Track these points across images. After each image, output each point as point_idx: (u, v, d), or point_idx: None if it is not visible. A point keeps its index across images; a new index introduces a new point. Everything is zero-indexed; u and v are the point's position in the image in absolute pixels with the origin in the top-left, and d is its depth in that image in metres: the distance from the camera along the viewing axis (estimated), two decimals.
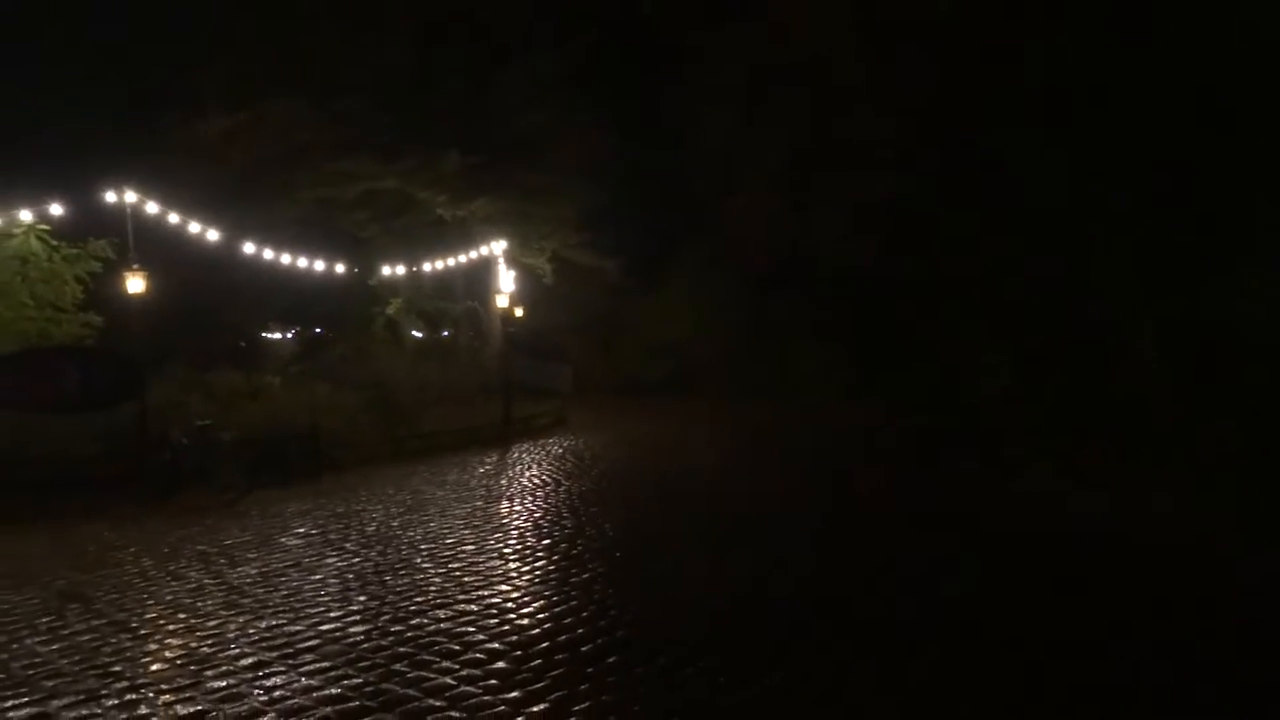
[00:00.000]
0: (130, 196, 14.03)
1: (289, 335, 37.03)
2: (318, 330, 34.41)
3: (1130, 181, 10.81)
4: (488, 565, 8.11)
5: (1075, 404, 11.45)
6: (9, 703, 5.23)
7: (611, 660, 5.60)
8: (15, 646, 6.28)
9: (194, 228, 15.61)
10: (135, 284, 13.80)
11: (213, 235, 16.11)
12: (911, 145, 15.41)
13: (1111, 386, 11.12)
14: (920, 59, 14.37)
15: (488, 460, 15.48)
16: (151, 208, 14.52)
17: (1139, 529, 8.71)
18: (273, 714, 4.92)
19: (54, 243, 15.16)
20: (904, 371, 17.67)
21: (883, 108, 15.93)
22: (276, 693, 5.23)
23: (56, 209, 14.19)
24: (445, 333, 31.15)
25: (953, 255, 15.25)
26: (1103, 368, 11.35)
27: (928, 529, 9.18)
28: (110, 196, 14.00)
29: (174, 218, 15.07)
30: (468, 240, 23.08)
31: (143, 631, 6.55)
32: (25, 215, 14.33)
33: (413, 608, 6.85)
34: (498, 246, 21.43)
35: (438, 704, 4.99)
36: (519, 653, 5.77)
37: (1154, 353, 10.61)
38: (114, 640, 6.34)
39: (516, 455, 16.02)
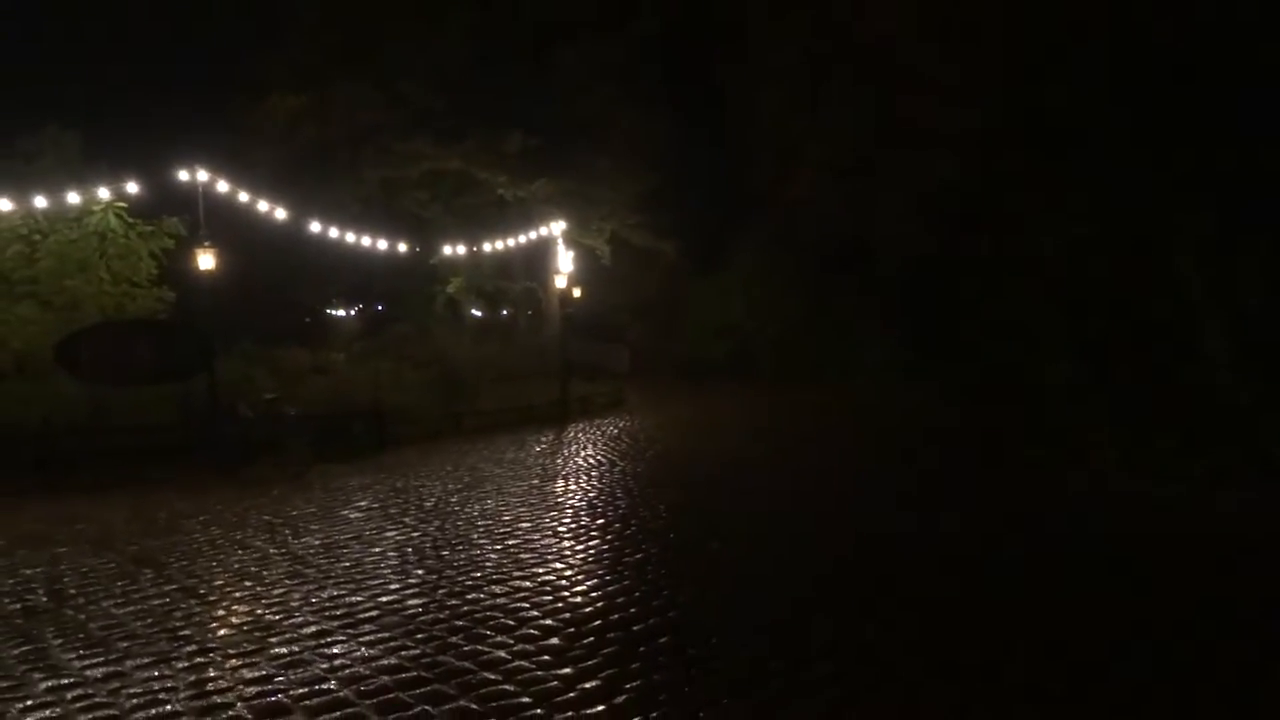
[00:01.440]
0: (202, 175, 14.41)
1: (352, 313, 37.80)
2: (380, 308, 35.07)
3: (1206, 169, 10.44)
4: (543, 543, 8.22)
5: (1142, 396, 11.15)
6: (86, 661, 5.47)
7: (663, 640, 5.65)
8: (92, 608, 6.56)
9: (262, 206, 15.98)
10: (206, 260, 14.19)
11: (280, 214, 16.48)
12: (978, 127, 15.05)
13: (1179, 379, 10.80)
14: (990, 37, 14.01)
15: (544, 439, 15.65)
16: (222, 186, 14.90)
17: (1203, 526, 8.48)
18: (334, 681, 5.07)
19: (130, 220, 15.67)
20: (965, 358, 17.36)
21: (948, 88, 15.58)
22: (337, 661, 5.39)
23: (133, 187, 14.67)
24: (504, 312, 31.51)
25: (1017, 240, 14.91)
26: (1171, 360, 11.02)
27: (986, 521, 9.06)
28: (183, 175, 14.40)
29: (244, 196, 15.45)
30: (527, 220, 23.28)
31: (211, 598, 6.78)
32: (104, 193, 14.83)
33: (469, 582, 6.98)
34: (556, 227, 21.56)
35: (492, 677, 5.09)
36: (572, 630, 5.85)
37: (1224, 345, 10.27)
38: (184, 605, 6.58)
39: (572, 435, 16.15)
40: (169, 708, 4.78)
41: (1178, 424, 10.21)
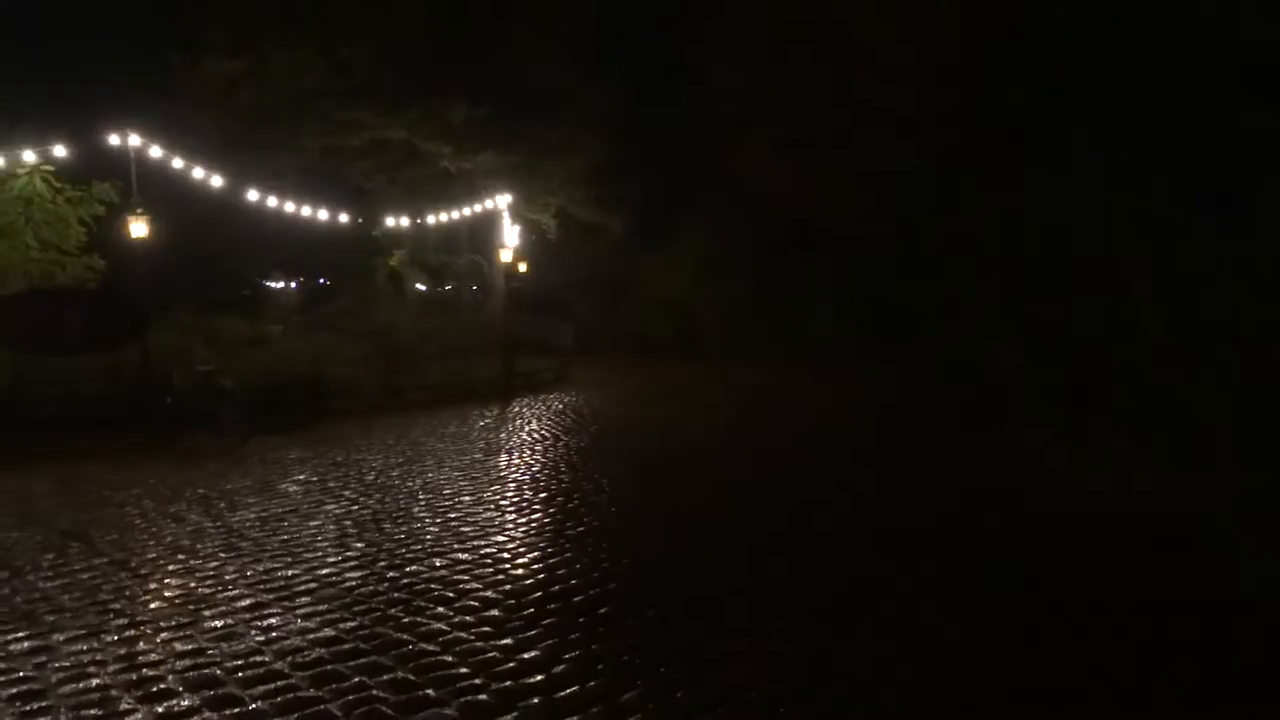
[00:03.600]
0: (134, 140, 13.97)
1: (292, 285, 37.07)
2: (322, 281, 34.45)
3: (1142, 148, 10.71)
4: (484, 516, 8.20)
5: (1078, 374, 11.45)
6: (10, 635, 5.33)
7: (603, 611, 5.69)
8: (17, 582, 6.39)
9: (198, 173, 15.54)
10: (139, 228, 13.78)
11: (217, 181, 16.04)
12: (928, 106, 15.23)
13: (1115, 358, 11.10)
14: (946, 20, 14.14)
15: (488, 414, 15.56)
16: (156, 152, 14.46)
17: (1127, 506, 8.75)
18: (268, 654, 5.02)
19: (58, 184, 15.12)
20: (911, 336, 17.66)
21: (903, 69, 15.70)
22: (273, 633, 5.33)
23: (60, 151, 14.12)
24: (448, 286, 31.17)
25: (962, 219, 15.16)
26: (1107, 339, 11.33)
27: (919, 493, 9.25)
28: (114, 139, 13.93)
29: (178, 162, 15.01)
30: (473, 193, 22.99)
31: (143, 571, 6.65)
32: (29, 156, 14.27)
33: (409, 555, 6.94)
34: (503, 200, 21.32)
35: (430, 648, 5.08)
36: (512, 601, 5.86)
37: (1158, 325, 10.58)
38: (114, 579, 6.44)
39: (517, 410, 16.09)
40: (97, 681, 4.69)
41: (1111, 403, 10.51)
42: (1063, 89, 12.32)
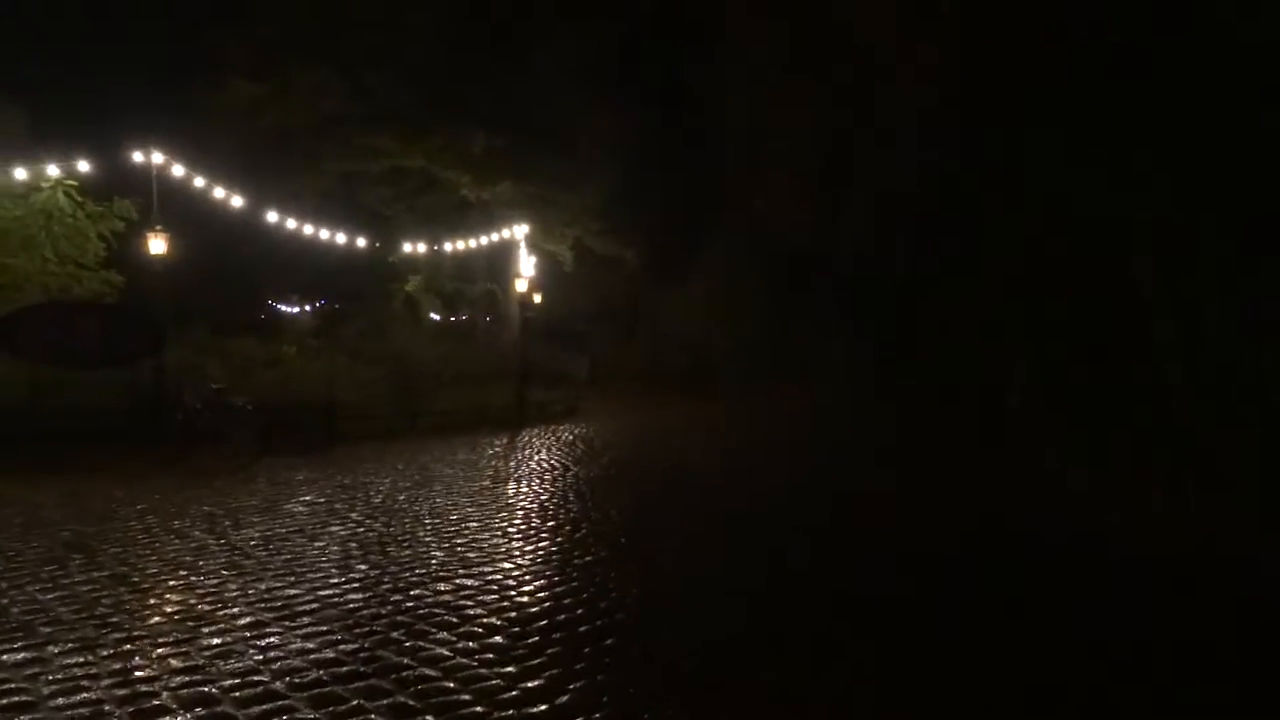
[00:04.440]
0: (157, 157, 14.10)
1: (307, 309, 37.25)
2: (336, 305, 34.60)
3: (1164, 170, 10.59)
4: (491, 543, 8.07)
5: (1097, 396, 11.28)
6: (5, 646, 5.23)
7: (609, 642, 5.54)
8: (16, 593, 6.29)
9: (219, 193, 15.66)
10: (157, 245, 13.87)
11: (237, 202, 16.16)
12: (946, 133, 15.18)
13: (1134, 379, 10.92)
14: (960, 43, 14.15)
15: (498, 442, 15.46)
16: (177, 170, 14.59)
17: (1147, 528, 8.54)
18: (266, 673, 4.89)
19: (79, 199, 15.25)
20: (926, 363, 17.48)
21: (917, 95, 15.68)
22: (271, 653, 5.20)
23: (84, 166, 14.29)
24: (463, 314, 31.24)
25: (977, 242, 15.06)
26: (1125, 360, 11.16)
27: (931, 527, 9.07)
28: (137, 156, 14.07)
29: (199, 182, 15.13)
30: (490, 223, 23.09)
31: (143, 586, 6.54)
32: (53, 170, 14.42)
33: (413, 579, 6.81)
34: (519, 231, 21.41)
35: (432, 673, 4.94)
36: (517, 629, 5.72)
37: (1177, 346, 10.39)
38: (114, 593, 6.34)
39: (527, 439, 15.99)
40: (89, 695, 4.57)
41: (1131, 425, 10.33)
42: (1071, 108, 12.25)
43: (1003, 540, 8.68)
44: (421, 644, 5.40)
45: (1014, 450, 12.04)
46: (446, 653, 5.27)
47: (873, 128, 17.51)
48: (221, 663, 5.04)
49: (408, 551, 7.68)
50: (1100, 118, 11.52)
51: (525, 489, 10.96)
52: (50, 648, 5.22)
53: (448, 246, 22.68)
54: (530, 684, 4.85)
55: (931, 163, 16.01)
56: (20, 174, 14.04)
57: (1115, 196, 11.42)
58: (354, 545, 7.87)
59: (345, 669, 4.97)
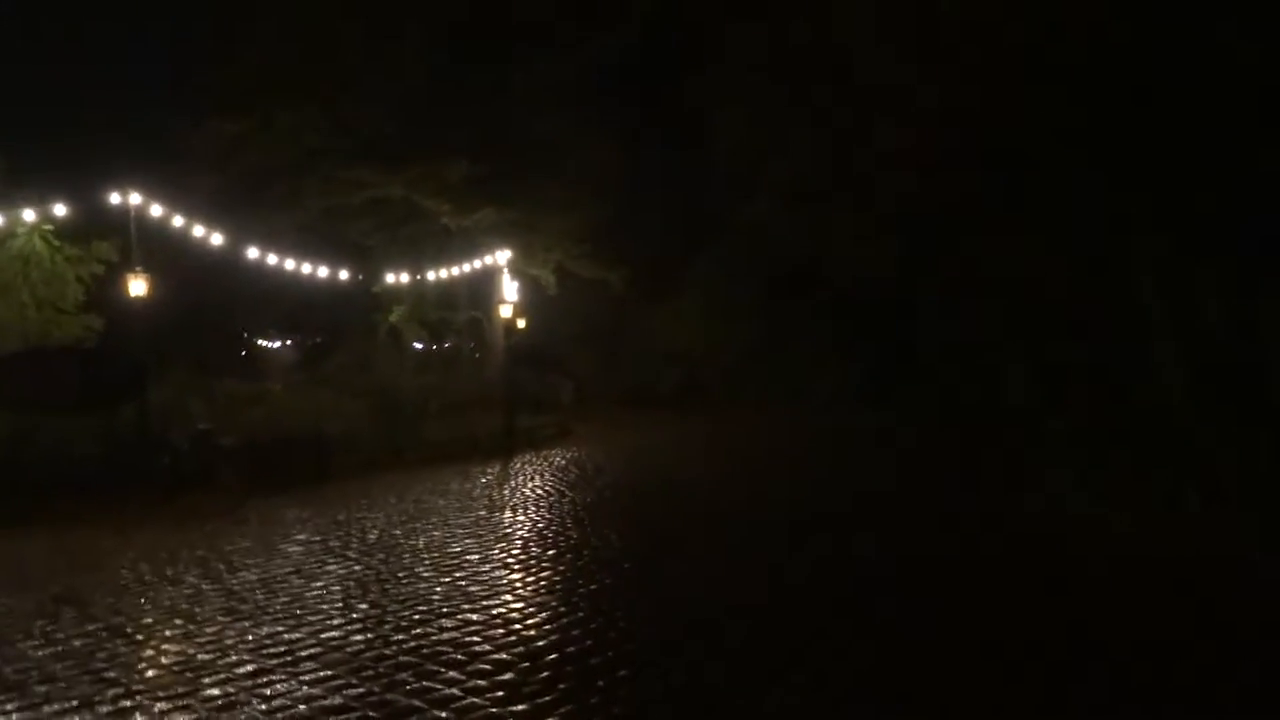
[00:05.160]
0: (135, 199, 13.95)
1: (289, 343, 36.97)
2: (319, 340, 34.37)
3: (1161, 192, 10.65)
4: (492, 575, 7.94)
5: (1098, 417, 11.27)
6: None
7: (622, 673, 5.43)
8: (7, 650, 6.12)
9: (198, 232, 15.50)
10: (138, 287, 13.70)
11: (217, 240, 16.00)
12: (935, 152, 15.24)
13: (1135, 400, 10.94)
14: (950, 64, 14.22)
15: (490, 470, 15.31)
16: (156, 210, 14.43)
17: (1152, 550, 8.51)
18: None
19: (57, 243, 15.06)
20: (921, 382, 17.49)
21: (908, 112, 15.73)
22: (276, 701, 5.07)
23: (60, 210, 14.11)
24: (447, 343, 31.07)
25: (973, 264, 15.10)
26: (1127, 381, 11.19)
27: (932, 545, 9.00)
28: (115, 198, 13.91)
29: (178, 221, 14.98)
30: (472, 250, 22.98)
31: (139, 637, 6.38)
32: (29, 215, 14.24)
33: (416, 617, 6.68)
34: (502, 256, 21.31)
35: (443, 715, 4.82)
36: (526, 664, 5.60)
37: (1178, 367, 10.43)
38: (109, 645, 6.17)
39: (519, 466, 15.84)
40: None
41: (1132, 446, 10.31)
42: (1068, 129, 12.31)
43: (1006, 550, 8.62)
44: (430, 684, 5.27)
45: (1013, 463, 12.01)
46: (457, 692, 5.15)
47: (869, 148, 17.54)
48: (225, 715, 4.90)
49: (408, 588, 7.54)
50: (1099, 133, 11.59)
51: (522, 517, 10.82)
52: (45, 708, 5.07)
53: (430, 275, 22.55)
54: None
55: (928, 182, 16.07)
56: None
57: (1114, 212, 11.48)
58: (353, 584, 7.72)
59: (355, 715, 4.84)
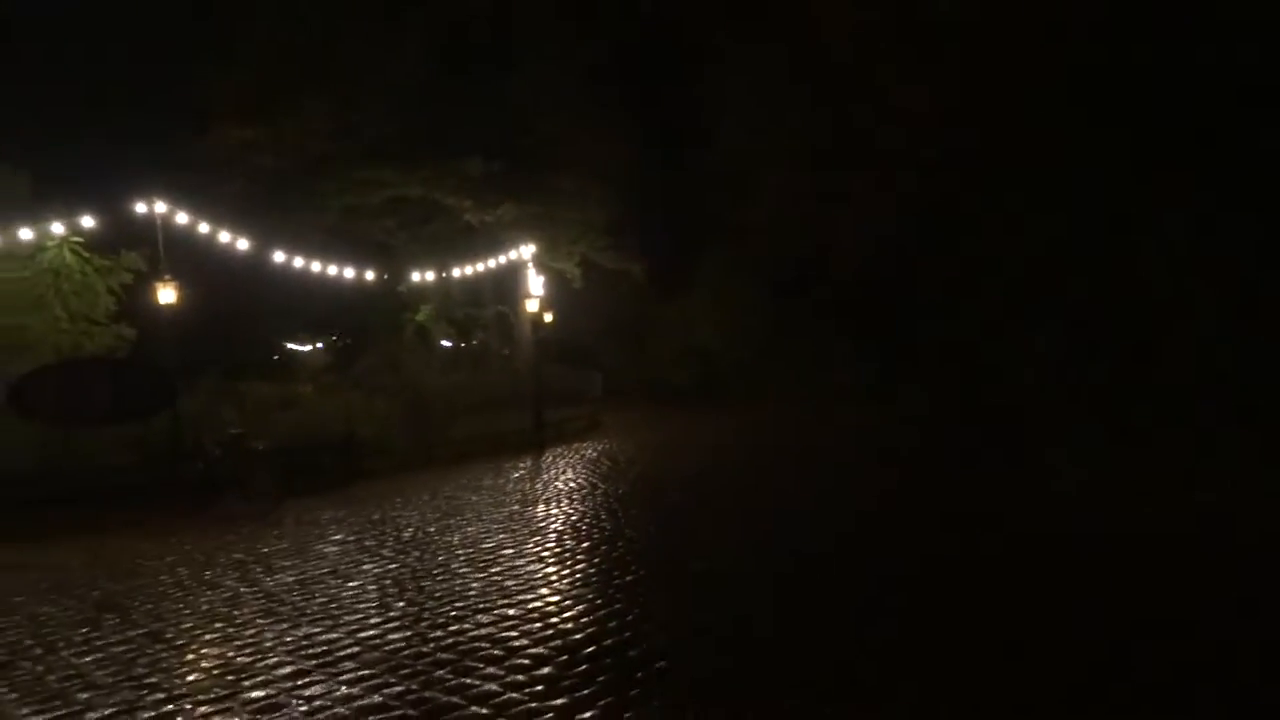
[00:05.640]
0: (160, 207, 14.05)
1: (319, 346, 37.20)
2: (348, 341, 34.55)
3: (1180, 158, 10.41)
4: (528, 569, 7.90)
5: (1119, 393, 11.06)
6: (43, 716, 5.09)
7: (661, 665, 5.36)
8: (50, 658, 6.15)
9: (223, 238, 15.60)
10: (167, 295, 13.80)
11: (242, 245, 16.09)
12: (945, 131, 15.03)
13: (1158, 374, 10.72)
14: (958, 41, 14.02)
15: (522, 465, 15.31)
16: (181, 219, 14.53)
17: (1178, 526, 8.31)
18: None
19: (86, 255, 15.20)
20: (930, 372, 17.29)
21: (909, 108, 15.56)
22: (316, 702, 5.04)
23: (88, 221, 14.24)
24: (475, 340, 31.14)
25: (987, 244, 14.87)
26: (1136, 361, 10.97)
27: (958, 530, 8.86)
28: (141, 208, 14.02)
29: (204, 228, 15.08)
30: (496, 245, 22.99)
31: (179, 642, 6.39)
32: (57, 228, 14.38)
33: (453, 613, 6.65)
34: (526, 251, 21.30)
35: (484, 712, 4.77)
36: (564, 658, 5.55)
37: (1189, 348, 10.20)
38: (150, 651, 6.19)
39: (550, 460, 15.83)
40: None
41: (1147, 430, 10.11)
42: (1077, 109, 12.09)
43: (1018, 537, 8.48)
44: (468, 681, 5.24)
45: (1022, 448, 11.83)
46: (495, 688, 5.10)
47: (871, 144, 17.37)
48: (266, 717, 4.88)
49: (444, 585, 7.52)
50: (1101, 120, 11.36)
51: (555, 510, 10.79)
52: (89, 715, 5.08)
53: (455, 272, 22.57)
54: (584, 715, 4.68)
55: (933, 176, 15.87)
56: (26, 234, 13.99)
57: (1121, 196, 11.26)
58: (389, 583, 7.71)
59: (395, 713, 4.81)
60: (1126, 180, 11.48)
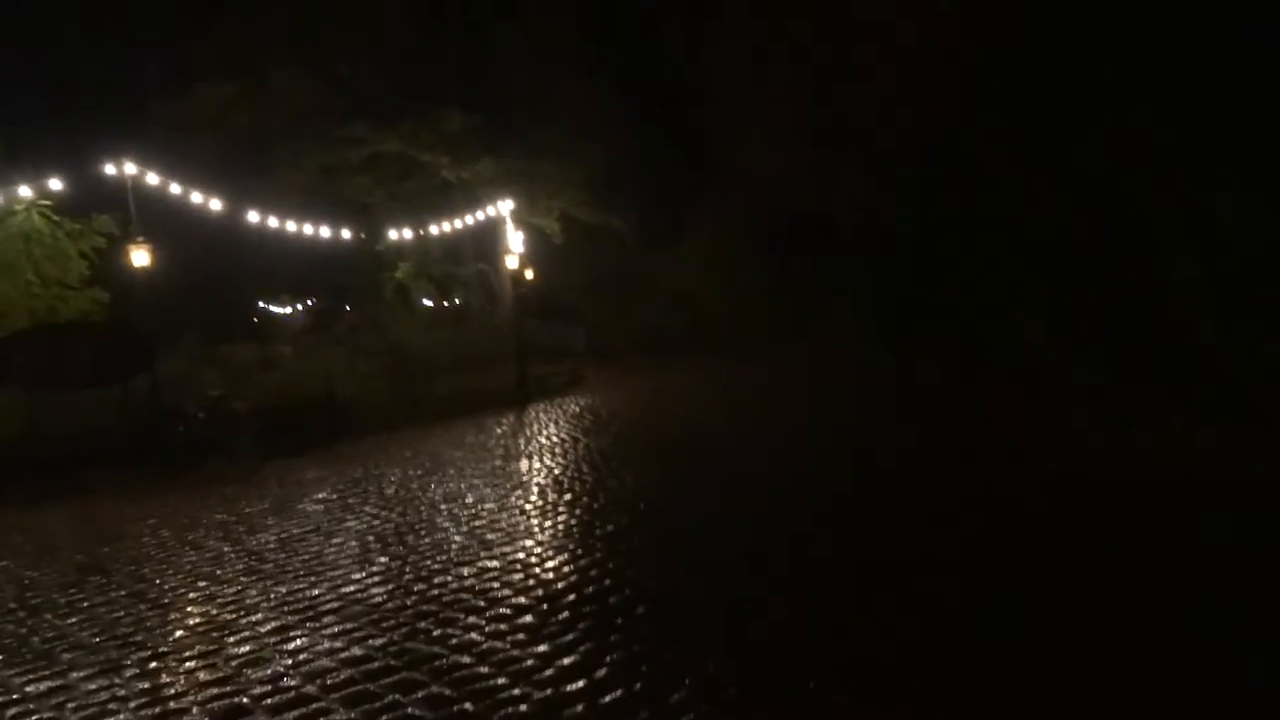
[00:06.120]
0: (130, 169, 13.83)
1: (298, 307, 37.00)
2: (328, 302, 34.37)
3: (1176, 97, 10.30)
4: (509, 522, 7.96)
5: (1119, 344, 11.09)
6: (28, 676, 5.13)
7: (640, 610, 5.44)
8: (34, 620, 6.19)
9: (197, 199, 15.40)
10: (140, 257, 13.65)
11: (216, 206, 15.90)
12: (937, 80, 14.84)
13: (1156, 323, 10.74)
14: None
15: (504, 421, 15.34)
16: (152, 179, 14.31)
17: (1187, 468, 8.43)
18: (297, 677, 4.79)
19: (56, 219, 14.99)
20: (929, 320, 17.28)
21: (908, 44, 15.31)
22: (300, 656, 5.10)
23: (56, 184, 14.01)
24: (456, 298, 31.01)
25: (983, 194, 14.78)
26: (1146, 304, 10.97)
27: (946, 479, 8.97)
28: (110, 170, 13.79)
29: (175, 189, 14.87)
30: (474, 202, 22.76)
31: (163, 601, 6.44)
32: (25, 192, 14.15)
33: (435, 566, 6.71)
34: (504, 207, 21.10)
35: (465, 660, 4.84)
36: (545, 606, 5.62)
37: (1198, 286, 10.20)
38: (134, 611, 6.23)
39: (533, 415, 15.86)
40: (119, 718, 4.47)
41: (1156, 370, 10.16)
42: (1081, 50, 11.92)
43: (1038, 482, 8.59)
44: (450, 631, 5.30)
45: (1032, 393, 11.88)
46: (477, 638, 5.17)
47: (869, 85, 17.07)
48: (250, 671, 4.94)
49: (426, 539, 7.58)
50: (1104, 54, 11.21)
51: (538, 464, 10.85)
52: (74, 674, 5.12)
53: (434, 230, 22.38)
54: (565, 661, 4.75)
55: (931, 117, 15.66)
56: None
57: (1124, 131, 11.14)
58: (371, 538, 7.76)
59: (376, 665, 4.87)
60: (1135, 99, 11.19)
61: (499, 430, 14.27)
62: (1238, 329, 9.71)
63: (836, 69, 18.35)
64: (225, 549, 7.82)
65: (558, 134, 24.73)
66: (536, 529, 7.66)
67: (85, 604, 6.50)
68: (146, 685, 4.86)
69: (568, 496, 8.82)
